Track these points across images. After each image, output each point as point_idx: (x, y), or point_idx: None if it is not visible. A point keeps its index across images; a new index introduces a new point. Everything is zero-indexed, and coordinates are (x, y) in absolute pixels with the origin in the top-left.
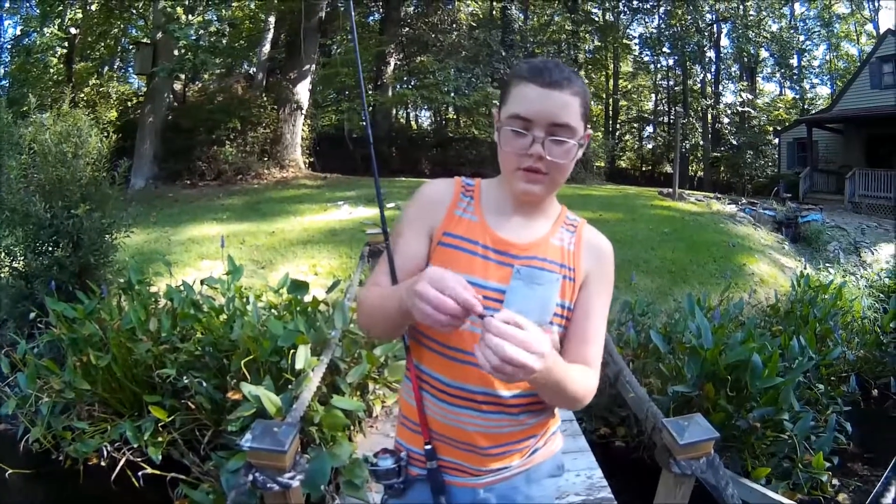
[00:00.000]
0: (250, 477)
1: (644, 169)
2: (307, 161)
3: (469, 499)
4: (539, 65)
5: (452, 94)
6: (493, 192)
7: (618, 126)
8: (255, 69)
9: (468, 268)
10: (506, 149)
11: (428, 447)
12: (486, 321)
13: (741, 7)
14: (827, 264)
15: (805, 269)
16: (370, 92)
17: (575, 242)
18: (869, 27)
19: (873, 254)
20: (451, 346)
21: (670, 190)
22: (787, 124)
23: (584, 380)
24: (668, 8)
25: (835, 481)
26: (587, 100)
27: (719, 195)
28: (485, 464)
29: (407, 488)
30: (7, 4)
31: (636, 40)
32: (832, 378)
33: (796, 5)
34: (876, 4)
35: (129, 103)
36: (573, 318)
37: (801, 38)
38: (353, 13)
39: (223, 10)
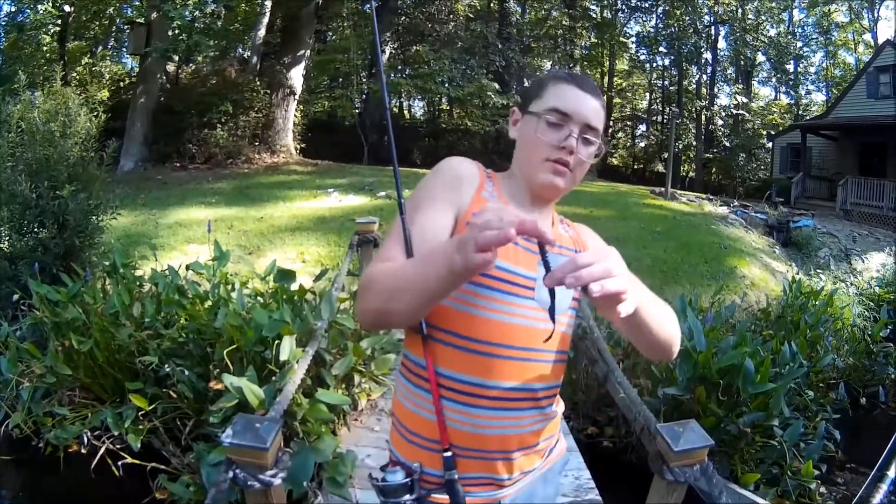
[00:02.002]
0: (230, 474)
1: (636, 167)
2: (298, 147)
3: None
4: (575, 74)
5: (447, 85)
6: (506, 185)
7: (611, 123)
8: (249, 53)
9: (504, 255)
10: (541, 138)
11: (447, 455)
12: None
13: (740, 10)
14: (818, 270)
15: (797, 274)
16: (364, 81)
17: (575, 232)
18: (867, 37)
19: (864, 262)
20: (478, 338)
21: (662, 189)
22: (780, 129)
23: (666, 308)
24: (667, 8)
25: (822, 489)
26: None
27: (711, 196)
28: (512, 470)
29: None
30: None
31: (633, 38)
32: (821, 385)
33: (795, 11)
34: (875, 14)
35: (122, 84)
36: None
37: (799, 44)
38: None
39: None
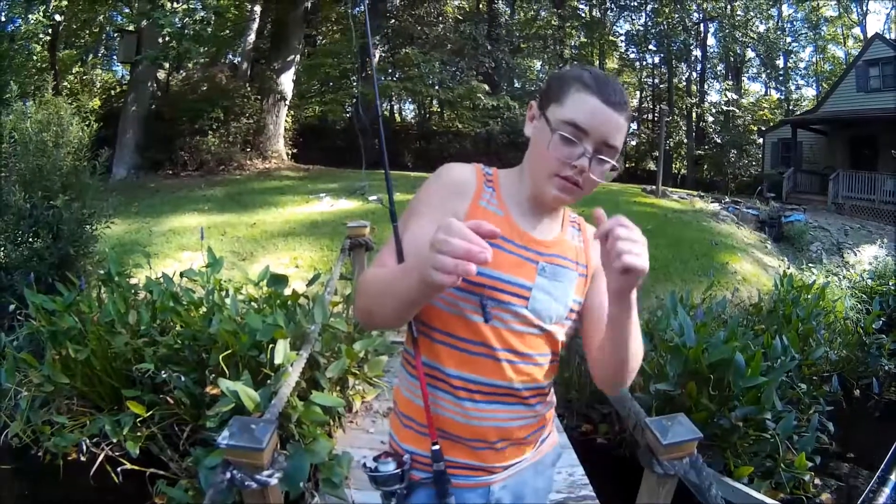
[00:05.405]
0: (228, 475)
1: (627, 165)
2: (290, 152)
3: (482, 499)
4: (603, 78)
5: (437, 87)
6: (512, 186)
7: None
8: (239, 59)
9: (496, 263)
10: (552, 153)
11: (435, 447)
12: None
13: (728, 7)
14: (810, 264)
15: (788, 268)
16: (354, 84)
17: (583, 240)
18: (856, 31)
19: (856, 255)
20: (468, 339)
21: (653, 187)
22: (771, 124)
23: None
24: (656, 6)
25: (817, 481)
26: (629, 127)
27: (702, 193)
28: (502, 459)
29: (409, 494)
30: None
31: (622, 37)
32: (814, 378)
33: (784, 7)
34: (864, 8)
35: (113, 92)
36: (592, 305)
37: (788, 39)
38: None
39: None
